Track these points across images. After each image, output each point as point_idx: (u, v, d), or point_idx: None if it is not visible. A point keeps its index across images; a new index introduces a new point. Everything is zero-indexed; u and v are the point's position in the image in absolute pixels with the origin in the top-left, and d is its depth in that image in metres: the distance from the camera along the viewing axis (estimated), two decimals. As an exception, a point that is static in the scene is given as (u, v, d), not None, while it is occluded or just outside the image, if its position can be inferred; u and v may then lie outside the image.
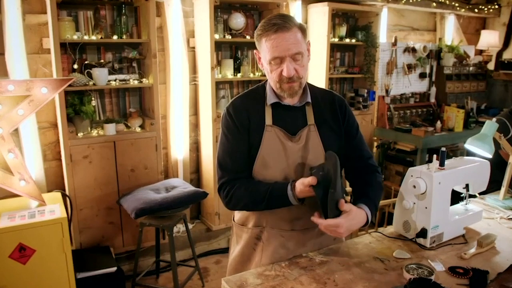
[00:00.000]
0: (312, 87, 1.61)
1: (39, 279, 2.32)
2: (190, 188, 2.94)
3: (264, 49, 1.43)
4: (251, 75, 3.64)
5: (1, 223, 2.25)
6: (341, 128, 1.59)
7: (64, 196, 2.76)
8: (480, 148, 2.03)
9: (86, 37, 2.92)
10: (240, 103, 1.57)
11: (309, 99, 1.55)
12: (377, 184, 1.61)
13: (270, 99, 1.53)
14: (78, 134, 2.90)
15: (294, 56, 1.41)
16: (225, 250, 3.60)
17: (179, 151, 3.49)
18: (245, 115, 1.54)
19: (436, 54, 4.78)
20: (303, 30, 1.45)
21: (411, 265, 1.43)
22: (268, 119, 1.53)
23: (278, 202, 1.46)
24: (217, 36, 3.32)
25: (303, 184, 1.40)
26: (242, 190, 1.50)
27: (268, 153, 1.51)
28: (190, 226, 3.56)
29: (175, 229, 3.44)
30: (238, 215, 1.69)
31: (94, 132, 2.99)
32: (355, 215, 1.41)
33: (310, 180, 1.37)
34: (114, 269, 2.70)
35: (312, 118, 1.55)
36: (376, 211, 1.55)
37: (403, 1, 4.37)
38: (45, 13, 2.80)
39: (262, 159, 1.52)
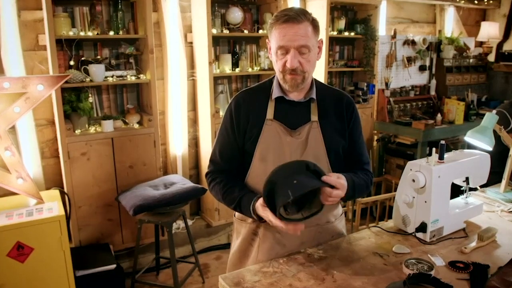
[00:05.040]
0: (320, 84, 1.60)
1: (38, 278, 2.31)
2: (189, 184, 2.93)
3: (273, 38, 1.44)
4: (250, 69, 3.60)
5: (-1, 221, 2.24)
6: (345, 128, 1.57)
7: (62, 193, 2.75)
8: (480, 141, 2.01)
9: (82, 33, 2.90)
10: (243, 99, 1.58)
11: (314, 95, 1.54)
12: (365, 180, 1.57)
13: (275, 93, 1.53)
14: (76, 131, 2.89)
15: (300, 48, 1.40)
16: (225, 246, 3.59)
17: (177, 147, 3.47)
18: (245, 113, 1.54)
19: (436, 47, 4.74)
20: (315, 26, 1.44)
21: (411, 260, 1.42)
22: (270, 113, 1.53)
23: (245, 213, 1.50)
24: (214, 31, 3.29)
25: (269, 219, 1.36)
26: (221, 186, 1.56)
27: (267, 147, 1.51)
28: (190, 222, 3.55)
29: (175, 225, 3.43)
30: None
31: (92, 129, 2.98)
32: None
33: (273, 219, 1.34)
34: (113, 266, 2.70)
35: (316, 115, 1.53)
36: (352, 194, 1.49)
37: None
38: (41, 9, 2.77)
39: (260, 153, 1.52)
